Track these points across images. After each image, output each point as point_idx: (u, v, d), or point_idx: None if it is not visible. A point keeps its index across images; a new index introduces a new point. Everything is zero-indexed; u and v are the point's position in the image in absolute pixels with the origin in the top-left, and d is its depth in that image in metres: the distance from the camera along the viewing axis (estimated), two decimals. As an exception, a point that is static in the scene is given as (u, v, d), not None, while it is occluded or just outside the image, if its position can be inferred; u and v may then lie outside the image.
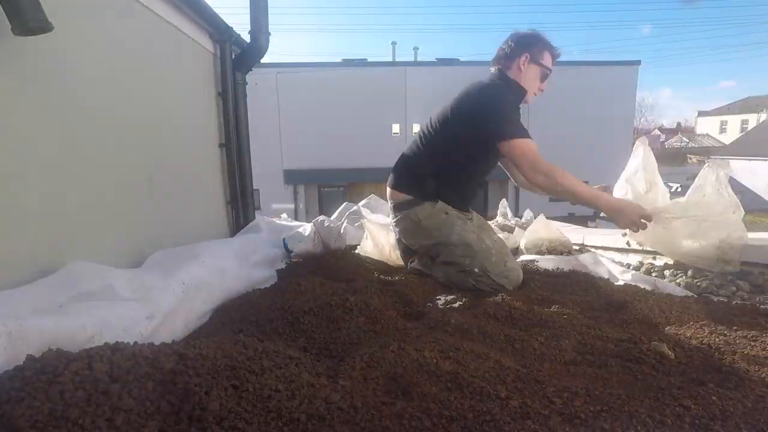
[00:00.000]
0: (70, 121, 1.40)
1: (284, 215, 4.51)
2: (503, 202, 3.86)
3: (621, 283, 1.86)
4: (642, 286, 1.77)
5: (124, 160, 1.68)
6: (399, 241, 2.26)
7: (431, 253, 1.98)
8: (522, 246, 2.56)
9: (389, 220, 2.19)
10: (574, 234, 2.89)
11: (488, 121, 1.84)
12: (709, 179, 1.82)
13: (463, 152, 1.92)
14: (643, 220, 1.80)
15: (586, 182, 1.98)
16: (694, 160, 31.20)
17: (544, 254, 2.53)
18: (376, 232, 2.29)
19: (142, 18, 1.85)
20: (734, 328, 1.32)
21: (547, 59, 1.98)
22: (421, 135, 2.04)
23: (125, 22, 1.74)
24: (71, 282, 1.21)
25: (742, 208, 1.85)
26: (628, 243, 2.40)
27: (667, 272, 2.01)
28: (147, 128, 1.85)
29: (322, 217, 2.58)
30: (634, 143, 2.35)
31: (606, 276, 1.95)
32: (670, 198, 2.00)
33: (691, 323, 1.37)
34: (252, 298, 1.66)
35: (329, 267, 2.05)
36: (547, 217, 2.76)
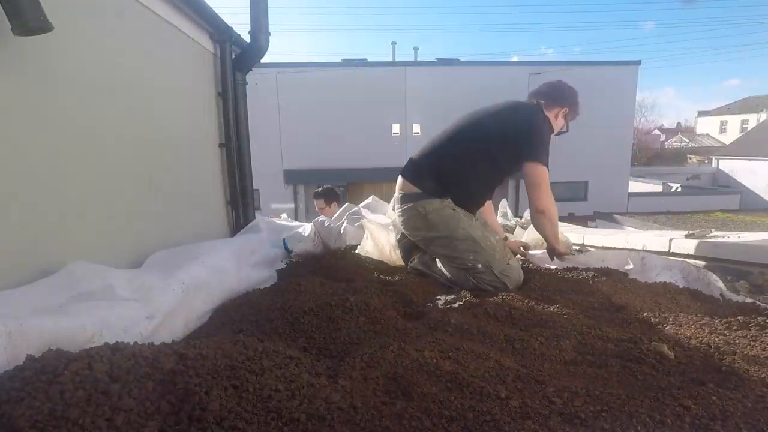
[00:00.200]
0: (69, 120, 1.40)
1: (284, 215, 4.51)
2: (503, 202, 3.86)
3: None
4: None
5: (123, 160, 1.68)
6: (399, 241, 2.27)
7: (432, 246, 2.00)
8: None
9: (394, 213, 2.20)
10: (574, 234, 2.89)
11: (528, 140, 1.95)
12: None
13: (489, 161, 2.01)
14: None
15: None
16: (694, 160, 31.20)
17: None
18: (376, 232, 2.29)
19: (142, 18, 1.85)
20: (734, 328, 1.31)
21: (571, 120, 2.18)
22: (448, 135, 2.07)
23: (125, 22, 1.74)
24: (71, 282, 1.21)
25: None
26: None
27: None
28: (147, 128, 1.85)
29: (322, 217, 2.58)
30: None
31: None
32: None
33: (691, 323, 1.37)
34: (252, 298, 1.66)
35: (329, 267, 2.06)
36: (547, 217, 2.75)
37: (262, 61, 2.78)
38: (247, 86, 2.79)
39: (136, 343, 0.93)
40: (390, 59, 18.07)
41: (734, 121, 35.54)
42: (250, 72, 2.79)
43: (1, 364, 0.82)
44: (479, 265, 1.86)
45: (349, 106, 14.78)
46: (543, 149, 1.95)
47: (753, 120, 32.20)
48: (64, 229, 1.36)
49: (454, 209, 1.97)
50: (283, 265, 2.21)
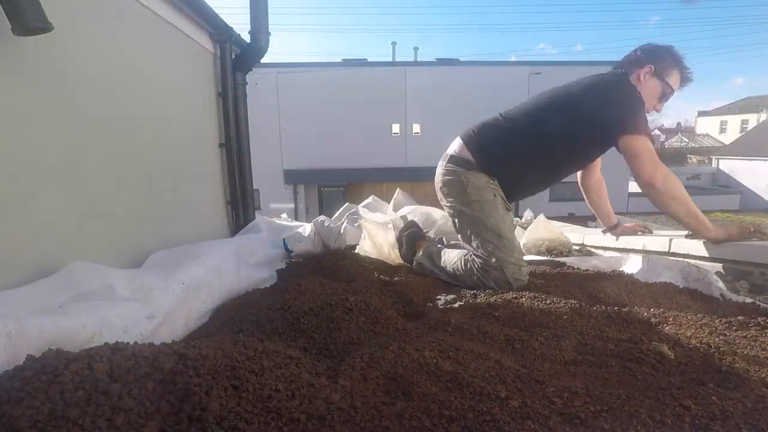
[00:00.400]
0: (69, 121, 1.40)
1: (284, 215, 4.51)
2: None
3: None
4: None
5: (123, 160, 1.68)
6: (402, 232, 2.25)
7: (457, 218, 1.94)
8: (522, 246, 2.56)
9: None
10: (574, 234, 2.90)
11: (617, 110, 1.75)
12: None
13: (562, 145, 1.86)
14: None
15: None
16: (694, 160, 31.20)
17: (544, 254, 2.54)
18: (374, 232, 2.29)
19: (142, 18, 1.85)
20: (734, 328, 1.31)
21: (674, 78, 1.89)
22: (522, 113, 1.92)
23: (125, 22, 1.74)
24: (71, 282, 1.21)
25: None
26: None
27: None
28: (147, 128, 1.85)
29: (322, 217, 2.58)
30: None
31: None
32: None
33: (691, 323, 1.37)
34: (252, 298, 1.66)
35: (329, 267, 2.06)
36: (548, 217, 2.76)
37: (262, 61, 2.78)
38: (247, 86, 2.79)
39: (136, 343, 0.93)
40: (390, 59, 18.09)
41: (734, 121, 35.54)
42: (250, 72, 2.79)
43: (1, 364, 0.82)
44: (493, 260, 1.80)
45: (349, 106, 14.78)
46: (636, 117, 1.73)
47: (753, 120, 32.20)
48: (64, 229, 1.36)
49: (495, 195, 1.88)
50: (283, 265, 2.21)
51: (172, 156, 2.08)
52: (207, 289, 1.57)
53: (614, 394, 0.92)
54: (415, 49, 24.12)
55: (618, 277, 1.91)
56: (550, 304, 1.56)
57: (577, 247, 2.71)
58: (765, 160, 19.98)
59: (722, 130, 36.40)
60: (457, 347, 1.13)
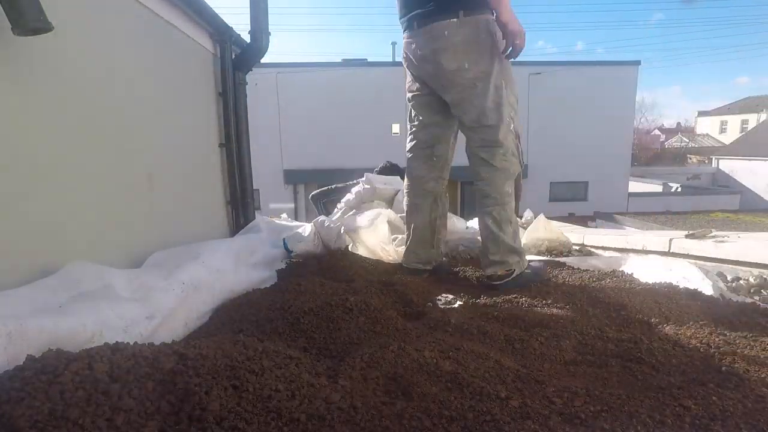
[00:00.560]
0: (69, 121, 1.40)
1: (284, 215, 4.52)
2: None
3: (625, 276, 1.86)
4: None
5: (123, 159, 1.68)
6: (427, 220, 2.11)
7: (481, 84, 1.78)
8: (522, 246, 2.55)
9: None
10: (574, 234, 2.90)
11: None
12: None
13: None
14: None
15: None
16: (694, 160, 31.22)
17: (544, 254, 2.54)
18: (363, 237, 2.29)
19: (141, 18, 1.85)
20: (734, 328, 1.31)
21: None
22: None
23: (125, 22, 1.74)
24: (71, 282, 1.21)
25: None
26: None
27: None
28: (147, 128, 1.85)
29: (322, 217, 2.58)
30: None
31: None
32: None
33: (691, 323, 1.37)
34: (252, 298, 1.66)
35: (329, 267, 2.05)
36: (547, 217, 2.76)
37: (262, 61, 2.78)
38: (247, 86, 2.79)
39: (136, 343, 0.93)
40: (390, 59, 18.07)
41: (734, 121, 35.57)
42: (250, 72, 2.79)
43: (1, 364, 0.82)
44: (512, 126, 1.77)
45: (349, 106, 14.79)
46: None
47: (753, 120, 32.22)
48: (64, 228, 1.36)
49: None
50: (283, 265, 2.21)
51: (172, 156, 2.08)
52: (207, 289, 1.57)
53: (614, 394, 0.92)
54: (415, 49, 24.06)
55: (618, 277, 1.91)
56: (550, 304, 1.56)
57: (577, 247, 2.71)
58: (765, 160, 19.98)
59: (722, 130, 36.42)
60: (457, 347, 1.13)
